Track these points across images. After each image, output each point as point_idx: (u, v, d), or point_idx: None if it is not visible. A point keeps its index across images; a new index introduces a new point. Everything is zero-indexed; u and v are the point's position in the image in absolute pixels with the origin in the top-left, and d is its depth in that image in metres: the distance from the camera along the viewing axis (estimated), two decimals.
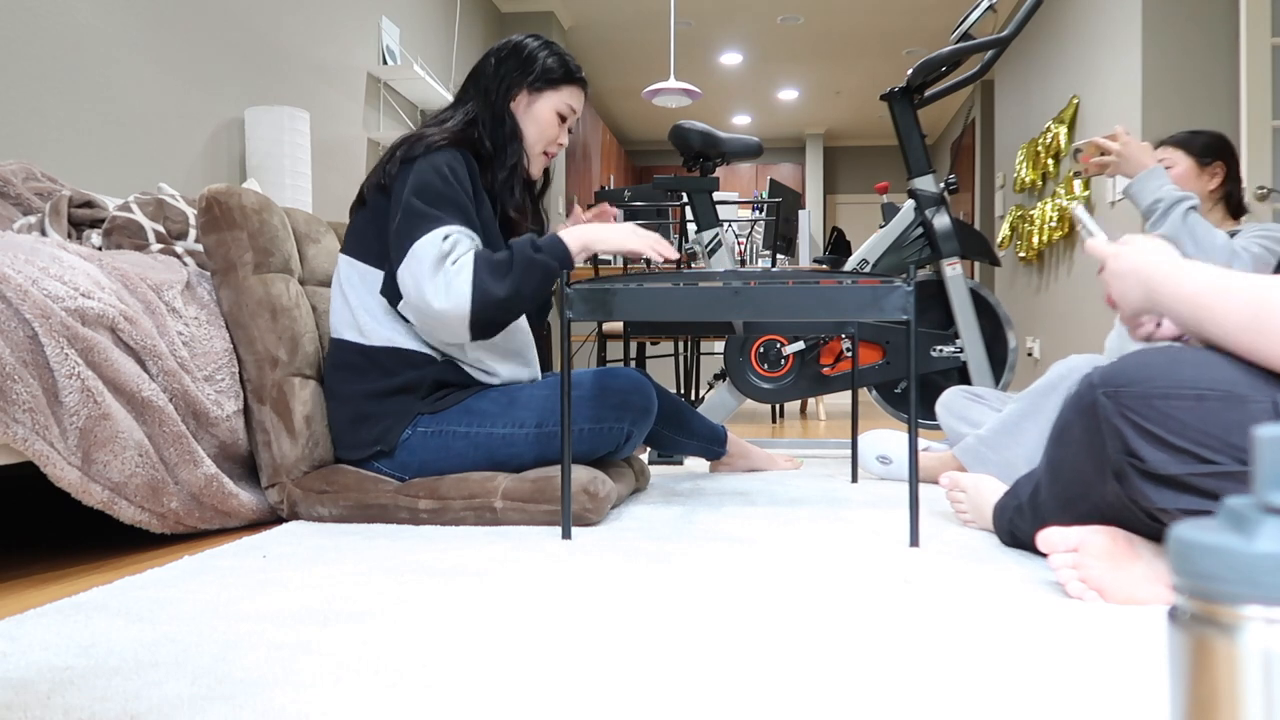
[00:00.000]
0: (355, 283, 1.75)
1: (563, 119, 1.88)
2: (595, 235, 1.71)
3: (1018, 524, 1.36)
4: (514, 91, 1.82)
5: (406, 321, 1.73)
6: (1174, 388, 1.01)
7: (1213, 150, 2.14)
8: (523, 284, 1.63)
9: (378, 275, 1.73)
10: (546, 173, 1.97)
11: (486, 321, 1.64)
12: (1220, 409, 0.98)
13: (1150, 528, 1.10)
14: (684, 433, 2.16)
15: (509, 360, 1.86)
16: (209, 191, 1.77)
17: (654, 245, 1.71)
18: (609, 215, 1.95)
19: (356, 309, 1.74)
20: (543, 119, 1.84)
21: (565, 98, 1.86)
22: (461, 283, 1.60)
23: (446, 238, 1.62)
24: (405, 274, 1.63)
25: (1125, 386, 1.04)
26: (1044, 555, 1.33)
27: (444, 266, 1.61)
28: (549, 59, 1.84)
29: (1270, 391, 0.98)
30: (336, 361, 1.77)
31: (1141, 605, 1.08)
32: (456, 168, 1.71)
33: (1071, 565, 1.11)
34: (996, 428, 1.95)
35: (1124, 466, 1.04)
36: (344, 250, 1.78)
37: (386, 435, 1.72)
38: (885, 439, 2.29)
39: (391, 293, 1.72)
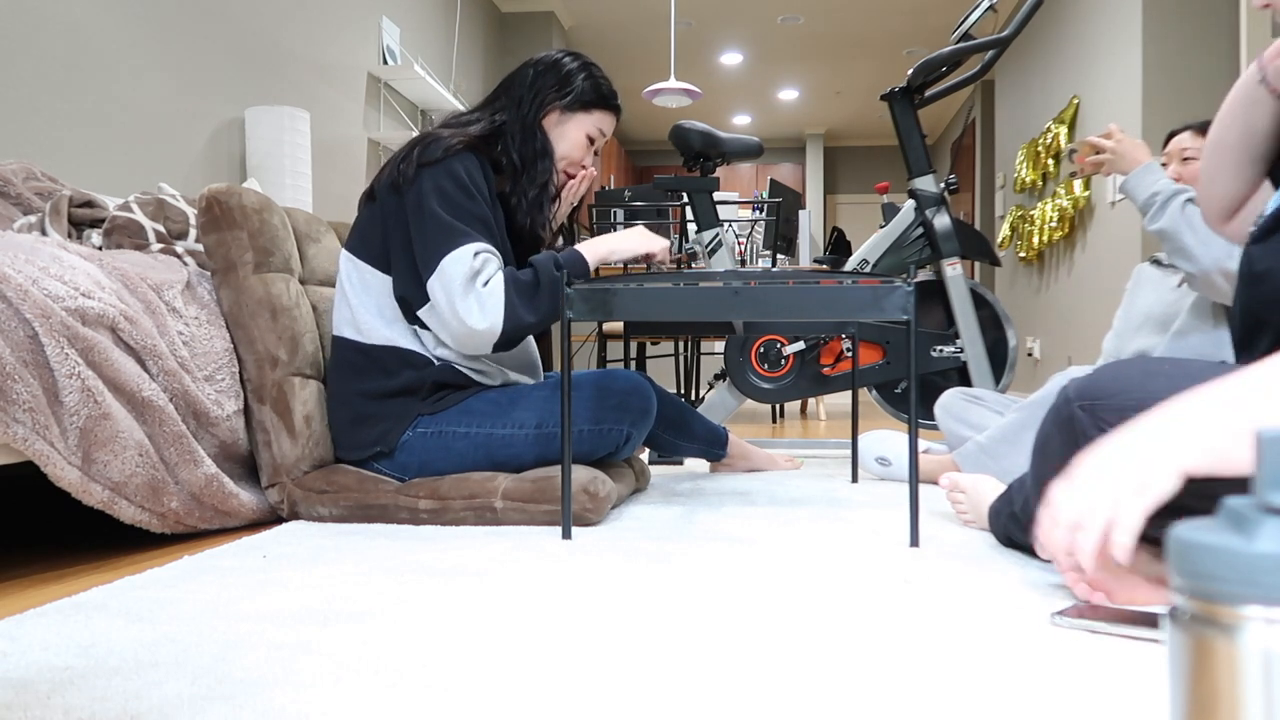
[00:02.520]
0: (355, 281, 1.74)
1: (591, 141, 1.87)
2: (611, 246, 1.78)
3: (1013, 530, 1.36)
4: (547, 108, 1.81)
5: (406, 322, 1.73)
6: (1148, 399, 1.01)
7: None
8: (551, 307, 1.69)
9: (377, 275, 1.73)
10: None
11: (513, 340, 1.69)
12: None
13: (1142, 537, 1.10)
14: (685, 436, 2.16)
15: (515, 368, 1.87)
16: (209, 191, 1.77)
17: (664, 247, 1.78)
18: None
19: (355, 307, 1.74)
20: (572, 139, 1.84)
21: (597, 121, 1.86)
22: (494, 304, 1.64)
23: (477, 254, 1.64)
24: (436, 287, 1.65)
25: (1100, 400, 1.04)
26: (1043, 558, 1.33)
27: (475, 286, 1.63)
28: (586, 81, 1.83)
29: None
30: (337, 360, 1.77)
31: (1142, 606, 1.08)
32: (475, 174, 1.70)
33: (1075, 568, 1.11)
34: (996, 436, 1.95)
35: None
36: (347, 246, 1.77)
37: (386, 436, 1.72)
38: (885, 440, 2.29)
39: (407, 299, 1.71)
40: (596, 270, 3.84)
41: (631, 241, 1.78)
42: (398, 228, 1.71)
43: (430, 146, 1.71)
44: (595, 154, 1.92)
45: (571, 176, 1.88)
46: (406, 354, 1.72)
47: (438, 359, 1.74)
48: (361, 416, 1.73)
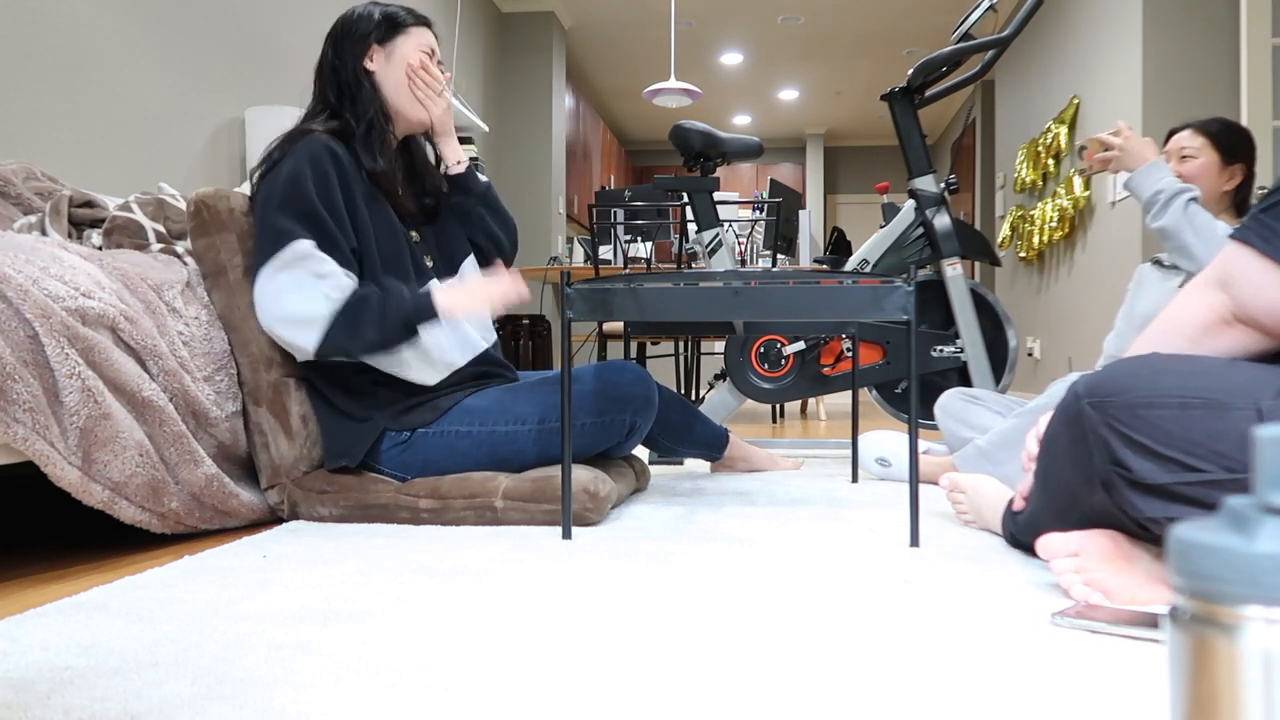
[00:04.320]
0: None
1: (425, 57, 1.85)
2: (459, 306, 1.67)
3: (1016, 531, 1.36)
4: (366, 53, 1.80)
5: None
6: (1158, 396, 1.01)
7: (1241, 152, 2.10)
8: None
9: None
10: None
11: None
12: (1204, 416, 0.98)
13: (1145, 535, 1.10)
14: (686, 442, 2.16)
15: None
16: (197, 195, 1.77)
17: (505, 296, 1.67)
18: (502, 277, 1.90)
19: None
20: (405, 55, 1.81)
21: (416, 40, 1.83)
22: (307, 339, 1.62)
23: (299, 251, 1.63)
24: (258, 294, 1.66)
25: (1110, 396, 1.04)
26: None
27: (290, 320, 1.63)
28: (383, 11, 1.83)
29: (1253, 397, 0.98)
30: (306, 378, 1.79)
31: (1142, 606, 1.08)
32: (304, 165, 1.67)
33: (1074, 569, 1.11)
34: (997, 440, 1.95)
35: (1111, 476, 1.04)
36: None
37: (352, 449, 1.71)
38: (884, 441, 2.29)
39: None
40: (596, 267, 3.83)
41: (474, 301, 1.68)
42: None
43: (264, 160, 1.74)
44: (441, 66, 1.88)
45: (435, 94, 1.84)
46: (332, 362, 1.72)
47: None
48: (328, 431, 1.74)
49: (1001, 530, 1.45)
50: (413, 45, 1.83)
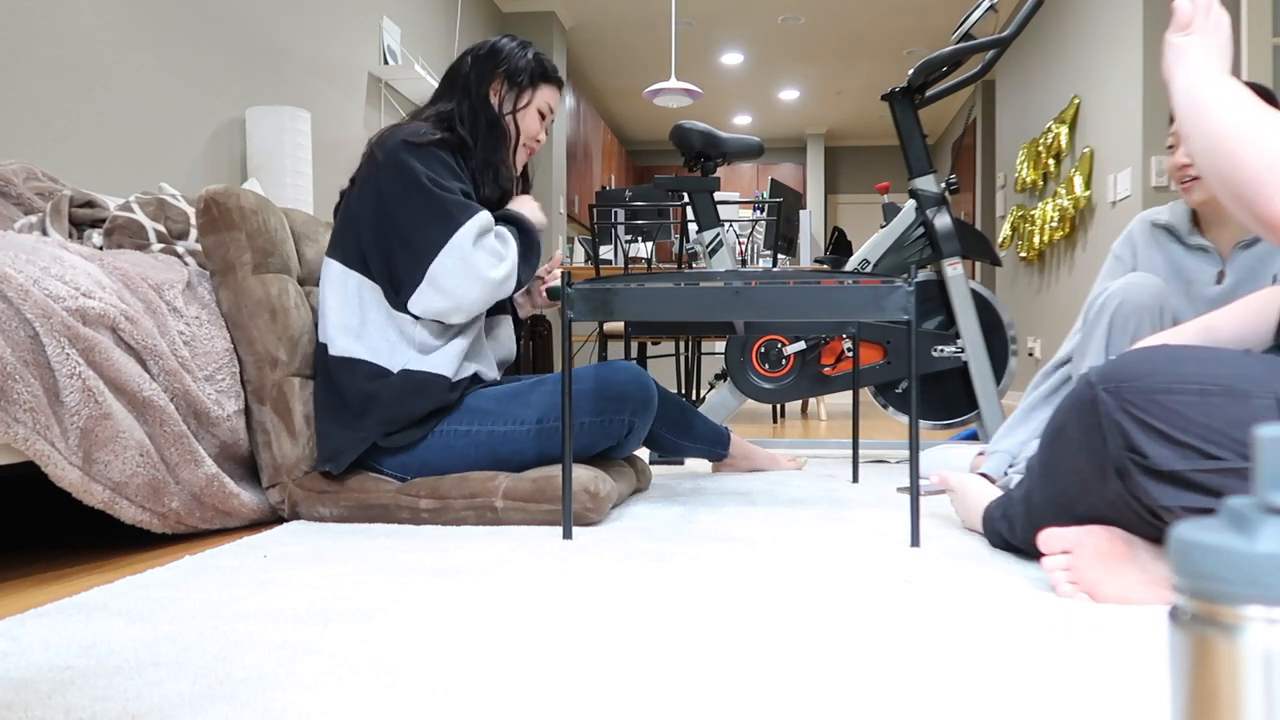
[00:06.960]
0: (336, 286, 1.74)
1: (542, 117, 1.89)
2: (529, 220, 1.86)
3: (1009, 528, 1.34)
4: (492, 87, 1.83)
5: (379, 324, 1.72)
6: (1176, 382, 1.00)
7: None
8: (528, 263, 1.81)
9: (352, 276, 1.73)
10: (525, 174, 1.98)
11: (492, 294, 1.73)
12: (1224, 404, 0.98)
13: (1150, 528, 1.09)
14: (688, 436, 2.16)
15: (479, 359, 1.84)
16: (207, 192, 1.77)
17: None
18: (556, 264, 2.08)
19: (329, 312, 1.74)
20: (524, 115, 1.85)
21: (545, 96, 1.87)
22: (509, 252, 1.75)
23: (481, 225, 1.71)
24: (445, 259, 1.66)
25: (1127, 382, 1.02)
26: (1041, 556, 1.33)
27: (485, 240, 1.71)
28: (527, 58, 1.86)
29: (1272, 385, 0.98)
30: (316, 368, 1.78)
31: (1136, 606, 1.08)
32: (451, 161, 1.73)
33: (1064, 566, 1.10)
34: (1010, 420, 1.96)
35: (1126, 463, 1.02)
36: (328, 252, 1.77)
37: (340, 455, 1.69)
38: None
39: (394, 286, 1.71)
40: (597, 267, 3.84)
41: (537, 218, 1.87)
42: (377, 219, 1.70)
43: (407, 132, 1.72)
44: (547, 132, 1.94)
45: (530, 153, 1.91)
46: (359, 365, 1.70)
47: (398, 370, 1.71)
48: (324, 431, 1.72)
49: (983, 530, 1.44)
50: (545, 101, 1.88)
